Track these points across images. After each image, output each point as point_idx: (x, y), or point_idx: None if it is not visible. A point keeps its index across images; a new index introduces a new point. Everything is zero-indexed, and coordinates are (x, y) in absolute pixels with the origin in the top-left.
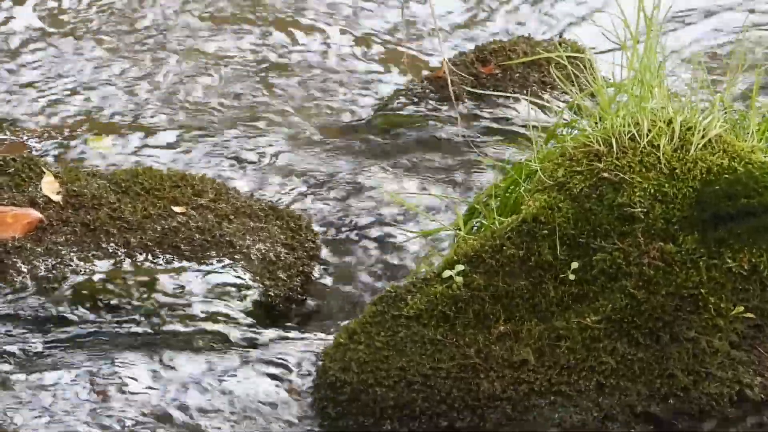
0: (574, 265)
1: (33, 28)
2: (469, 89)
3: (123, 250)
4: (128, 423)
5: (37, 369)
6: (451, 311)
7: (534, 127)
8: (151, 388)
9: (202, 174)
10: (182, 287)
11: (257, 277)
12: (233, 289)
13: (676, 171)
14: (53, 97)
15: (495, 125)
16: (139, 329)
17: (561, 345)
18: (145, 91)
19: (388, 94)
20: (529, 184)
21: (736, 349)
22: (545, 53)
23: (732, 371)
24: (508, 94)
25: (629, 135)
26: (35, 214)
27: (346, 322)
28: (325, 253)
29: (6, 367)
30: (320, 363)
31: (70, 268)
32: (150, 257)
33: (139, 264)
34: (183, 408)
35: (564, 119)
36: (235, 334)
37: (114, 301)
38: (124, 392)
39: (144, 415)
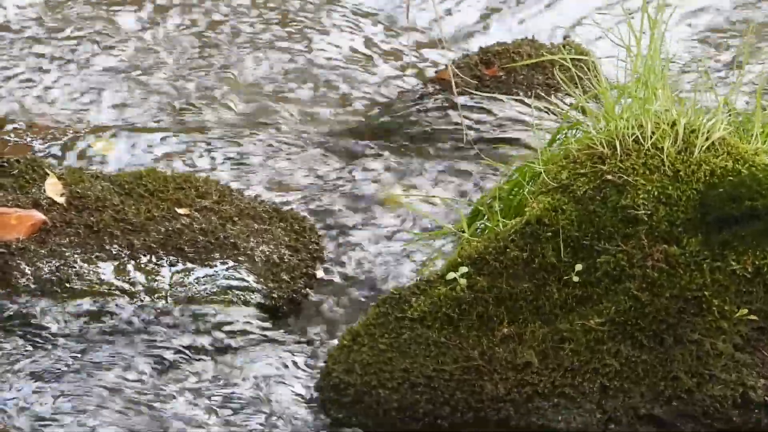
0: (578, 267)
1: (34, 29)
2: (473, 91)
3: (127, 252)
4: (130, 424)
5: (38, 370)
6: (455, 313)
7: (538, 129)
8: (153, 388)
9: (206, 176)
10: (186, 289)
11: (261, 279)
12: (237, 290)
13: (680, 173)
14: (56, 99)
15: (499, 127)
16: (142, 331)
17: (564, 347)
18: (149, 93)
19: (392, 96)
20: (533, 186)
21: (740, 352)
22: (549, 55)
23: (736, 373)
24: (512, 97)
25: (633, 137)
26: (39, 215)
27: (349, 324)
28: (328, 255)
29: (7, 368)
30: (324, 365)
31: (74, 269)
32: (154, 259)
33: (142, 266)
34: (185, 409)
35: (568, 121)
36: (238, 335)
37: (117, 303)
38: (125, 393)
39: (146, 415)
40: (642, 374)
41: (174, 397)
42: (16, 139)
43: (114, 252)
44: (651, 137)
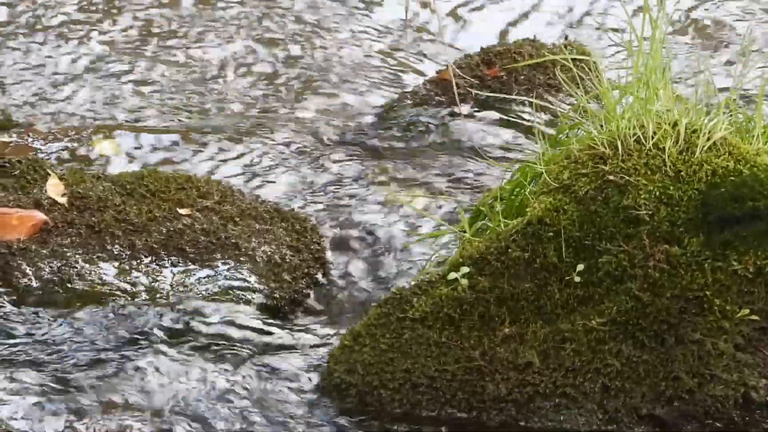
0: (580, 267)
1: (34, 29)
2: (475, 91)
3: (128, 253)
4: (132, 424)
5: (40, 371)
6: (456, 313)
7: (539, 129)
8: (154, 389)
9: (208, 176)
10: (187, 289)
11: (262, 279)
12: (238, 291)
13: (682, 173)
14: (57, 100)
15: (500, 128)
16: (144, 331)
17: (566, 347)
18: (150, 93)
19: (393, 97)
20: (535, 186)
21: (742, 352)
22: (550, 56)
23: (737, 373)
24: (514, 97)
25: (634, 137)
26: (40, 216)
27: (351, 324)
28: (330, 255)
29: (8, 369)
30: (325, 365)
31: (75, 270)
32: (155, 259)
33: (144, 266)
34: (187, 409)
35: (569, 121)
36: (240, 336)
37: (119, 303)
38: (126, 393)
39: (148, 415)
40: (643, 374)
41: (174, 398)
42: (17, 139)
43: (115, 252)
44: (652, 137)
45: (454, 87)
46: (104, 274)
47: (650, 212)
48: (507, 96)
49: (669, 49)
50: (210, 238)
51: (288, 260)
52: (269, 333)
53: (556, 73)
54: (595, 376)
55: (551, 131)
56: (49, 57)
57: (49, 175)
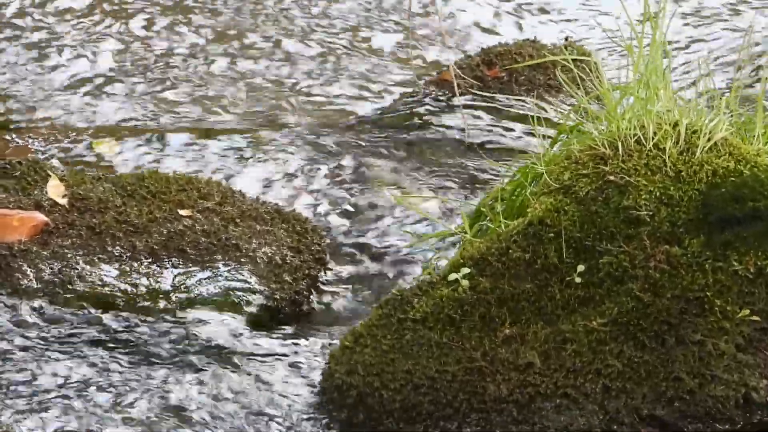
0: (580, 268)
1: (36, 31)
2: (475, 92)
3: (129, 254)
4: (132, 425)
5: (41, 372)
6: (457, 314)
7: (540, 130)
8: (155, 390)
9: (208, 177)
10: (188, 290)
11: (263, 281)
12: (239, 292)
13: (682, 174)
14: (58, 101)
15: (501, 128)
16: (145, 333)
17: (567, 348)
18: (150, 94)
19: (394, 97)
20: (535, 187)
21: (742, 352)
22: (551, 56)
23: (738, 374)
24: (514, 97)
25: (635, 138)
26: (41, 217)
27: (352, 325)
28: (331, 256)
29: (10, 369)
30: (326, 366)
31: (76, 271)
32: (156, 261)
33: (145, 267)
34: (187, 411)
35: (570, 122)
36: (241, 337)
37: (119, 305)
38: (127, 394)
39: (146, 416)
40: (644, 375)
41: (175, 398)
42: (18, 140)
43: (116, 254)
44: (653, 138)
45: (455, 87)
46: (105, 275)
47: (651, 213)
48: (508, 97)
49: (669, 49)
50: (211, 240)
51: (289, 261)
52: (270, 334)
53: (556, 73)
54: (596, 376)
55: (552, 132)
56: (48, 58)
57: (50, 176)
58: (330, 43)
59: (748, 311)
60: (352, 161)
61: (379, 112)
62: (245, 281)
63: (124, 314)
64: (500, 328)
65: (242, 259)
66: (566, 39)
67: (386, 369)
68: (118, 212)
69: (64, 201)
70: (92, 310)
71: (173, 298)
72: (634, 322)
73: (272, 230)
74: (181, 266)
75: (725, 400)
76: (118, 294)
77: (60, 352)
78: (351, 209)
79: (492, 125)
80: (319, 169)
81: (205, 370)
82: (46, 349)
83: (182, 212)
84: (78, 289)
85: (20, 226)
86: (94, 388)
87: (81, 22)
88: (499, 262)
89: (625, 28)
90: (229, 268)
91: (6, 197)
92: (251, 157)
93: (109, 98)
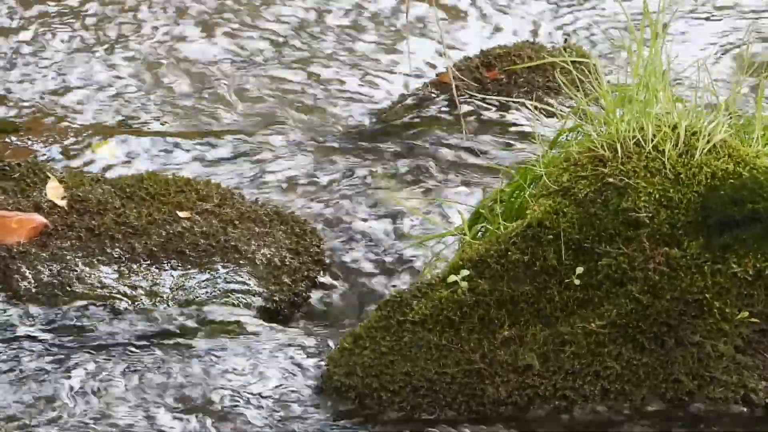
0: (579, 269)
1: (36, 31)
2: (474, 94)
3: (128, 256)
4: (132, 426)
5: (42, 372)
6: (456, 316)
7: (539, 132)
8: (155, 391)
9: (207, 179)
10: (187, 292)
11: (262, 282)
12: (238, 294)
13: (681, 176)
14: (58, 102)
15: (499, 130)
16: (144, 334)
17: (566, 350)
18: (150, 96)
19: (393, 99)
20: (534, 189)
21: (741, 354)
22: (550, 58)
23: (737, 375)
24: (513, 99)
25: (634, 140)
26: (40, 219)
27: (351, 326)
28: (329, 257)
29: (10, 370)
30: (325, 368)
31: (75, 273)
32: (155, 262)
33: (144, 269)
34: (185, 413)
35: (569, 124)
36: (239, 338)
37: (119, 306)
38: (127, 396)
39: (147, 417)
40: (643, 377)
41: (175, 400)
42: (17, 142)
43: (115, 255)
44: (652, 140)
45: (454, 89)
46: (104, 277)
47: (650, 215)
48: (507, 98)
49: (668, 51)
50: (210, 241)
51: (288, 263)
52: (269, 336)
53: (555, 75)
54: (595, 378)
55: (551, 134)
56: (48, 58)
57: (49, 178)
58: (329, 45)
59: (747, 313)
60: (351, 163)
61: (377, 113)
62: (244, 283)
63: (124, 316)
64: (499, 330)
65: (241, 261)
66: (565, 41)
67: (385, 371)
68: (117, 214)
69: (63, 203)
70: (91, 312)
71: (172, 300)
72: (633, 324)
73: (271, 232)
74: (180, 268)
75: (724, 402)
76: (117, 296)
77: (59, 354)
78: (350, 210)
79: (490, 127)
80: (318, 171)
81: (203, 371)
82: (46, 351)
83: (181, 214)
84: (77, 290)
85: (19, 228)
86: (94, 389)
87: (81, 23)
88: (498, 264)
89: (624, 30)
90: (228, 269)
91: (5, 199)
92: (251, 159)
93: (109, 99)
